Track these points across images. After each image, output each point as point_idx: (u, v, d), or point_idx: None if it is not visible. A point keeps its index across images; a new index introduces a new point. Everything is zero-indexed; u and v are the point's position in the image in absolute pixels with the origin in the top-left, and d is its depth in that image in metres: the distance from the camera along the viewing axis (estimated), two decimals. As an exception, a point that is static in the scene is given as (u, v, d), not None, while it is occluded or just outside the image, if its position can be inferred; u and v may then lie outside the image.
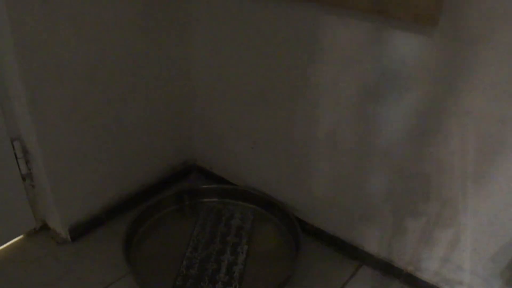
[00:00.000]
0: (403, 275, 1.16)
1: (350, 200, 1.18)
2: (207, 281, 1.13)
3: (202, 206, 1.39)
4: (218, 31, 1.24)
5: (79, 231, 1.27)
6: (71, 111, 1.12)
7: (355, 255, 1.23)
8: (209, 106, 1.39)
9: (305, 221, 1.31)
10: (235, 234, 1.29)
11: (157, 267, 1.19)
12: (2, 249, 1.23)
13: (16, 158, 1.15)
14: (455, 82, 0.88)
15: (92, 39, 1.09)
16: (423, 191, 1.03)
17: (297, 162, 1.25)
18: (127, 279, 1.15)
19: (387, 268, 1.18)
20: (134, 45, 1.20)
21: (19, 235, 1.27)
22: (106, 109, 1.20)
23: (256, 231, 1.31)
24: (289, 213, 1.31)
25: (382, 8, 0.88)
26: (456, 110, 0.90)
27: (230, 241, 1.26)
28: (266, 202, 1.37)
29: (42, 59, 1.02)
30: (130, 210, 1.37)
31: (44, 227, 1.30)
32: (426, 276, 1.12)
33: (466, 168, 0.94)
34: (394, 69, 0.95)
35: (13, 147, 1.14)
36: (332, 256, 1.25)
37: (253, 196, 1.39)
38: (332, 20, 1.00)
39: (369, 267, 1.21)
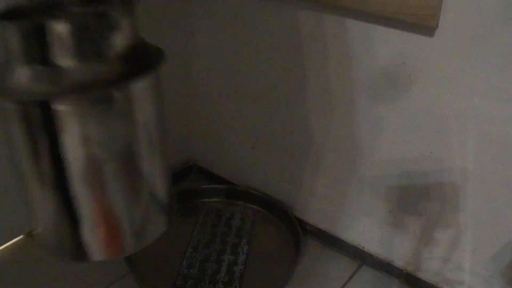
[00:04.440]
0: (403, 275, 1.16)
1: (350, 199, 1.18)
2: (207, 281, 1.13)
3: (202, 206, 1.39)
4: (219, 31, 1.24)
5: (79, 231, 1.27)
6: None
7: (355, 255, 1.23)
8: (209, 106, 1.39)
9: (305, 221, 1.31)
10: (235, 234, 1.29)
11: (157, 267, 1.19)
12: (2, 249, 1.23)
13: (16, 158, 1.15)
14: (455, 82, 0.88)
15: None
16: (423, 191, 1.03)
17: (297, 162, 1.25)
18: (127, 279, 1.15)
19: (387, 268, 1.18)
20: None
21: (19, 235, 1.26)
22: (106, 109, 1.20)
23: (256, 231, 1.31)
24: (289, 213, 1.31)
25: (381, 8, 0.88)
26: (456, 110, 0.90)
27: (230, 241, 1.26)
28: (266, 202, 1.37)
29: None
30: (130, 210, 1.37)
31: (44, 227, 1.30)
32: (426, 276, 1.12)
33: (466, 168, 0.94)
34: (394, 69, 0.95)
35: (13, 147, 1.14)
36: (332, 256, 1.25)
37: (253, 196, 1.39)
38: (332, 20, 1.00)
39: (369, 267, 1.21)
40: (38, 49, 0.54)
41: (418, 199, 1.04)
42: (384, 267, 1.18)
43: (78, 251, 0.67)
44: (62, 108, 0.54)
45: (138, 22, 0.63)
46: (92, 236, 0.65)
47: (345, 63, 1.02)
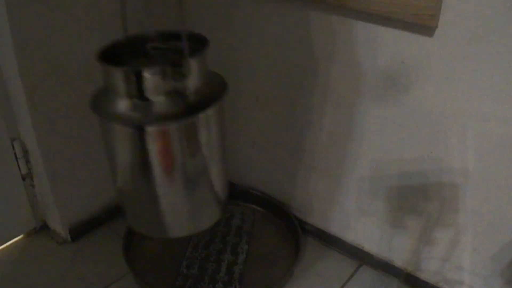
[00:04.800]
0: (403, 275, 1.16)
1: (350, 200, 1.18)
2: (207, 281, 1.13)
3: (202, 206, 1.39)
4: (220, 30, 1.24)
5: (79, 231, 1.27)
6: (70, 111, 1.12)
7: (355, 255, 1.23)
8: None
9: (305, 221, 1.31)
10: (235, 234, 1.29)
11: (157, 267, 1.19)
12: (2, 249, 1.23)
13: (16, 158, 1.15)
14: (455, 82, 0.88)
15: (92, 39, 1.09)
16: (423, 191, 1.03)
17: (297, 161, 1.25)
18: (127, 279, 1.15)
19: (387, 268, 1.18)
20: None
21: (19, 235, 1.27)
22: (106, 109, 1.20)
23: (256, 231, 1.31)
24: (289, 213, 1.31)
25: (381, 8, 0.88)
26: (456, 110, 0.90)
27: (230, 241, 1.26)
28: (266, 202, 1.37)
29: (42, 59, 1.02)
30: (130, 210, 1.37)
31: (44, 227, 1.30)
32: (426, 276, 1.12)
33: (466, 168, 0.94)
34: (394, 69, 0.95)
35: (13, 147, 1.14)
36: (332, 256, 1.25)
37: (253, 196, 1.39)
38: (332, 20, 1.00)
39: (369, 267, 1.21)
40: (135, 88, 0.76)
41: (418, 199, 1.04)
42: (384, 267, 1.18)
43: (160, 229, 0.92)
44: (151, 130, 0.78)
45: (207, 61, 0.84)
46: (167, 217, 0.89)
47: (345, 63, 1.02)
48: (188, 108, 0.79)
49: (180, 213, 0.90)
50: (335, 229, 1.26)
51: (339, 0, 0.94)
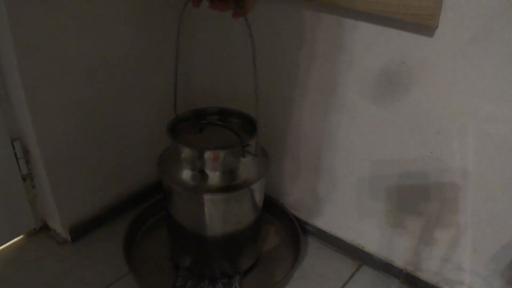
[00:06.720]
0: (403, 275, 1.16)
1: (350, 200, 1.18)
2: (207, 282, 1.13)
3: (202, 206, 1.40)
4: (219, 32, 1.24)
5: (79, 231, 1.27)
6: (71, 111, 1.12)
7: (355, 255, 1.23)
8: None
9: (305, 221, 1.31)
10: (235, 234, 1.29)
11: (157, 267, 1.19)
12: (2, 249, 1.23)
13: (16, 158, 1.15)
14: (455, 82, 0.88)
15: (92, 39, 1.09)
16: (423, 191, 1.03)
17: (297, 161, 1.25)
18: (127, 279, 1.15)
19: (387, 268, 1.18)
20: (135, 46, 1.20)
21: (19, 235, 1.27)
22: (106, 109, 1.20)
23: (256, 231, 1.31)
24: (289, 213, 1.31)
25: (380, 8, 0.88)
26: (456, 110, 0.90)
27: (230, 241, 1.27)
28: (266, 202, 1.37)
29: (42, 59, 1.02)
30: (130, 210, 1.37)
31: (44, 227, 1.30)
32: (426, 276, 1.12)
33: (466, 168, 0.94)
34: (394, 69, 0.95)
35: (13, 147, 1.14)
36: (332, 256, 1.25)
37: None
38: (332, 20, 1.00)
39: (369, 267, 1.21)
40: (198, 163, 0.96)
41: (418, 199, 1.04)
42: (384, 267, 1.18)
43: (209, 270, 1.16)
44: (207, 197, 0.99)
45: (258, 140, 0.99)
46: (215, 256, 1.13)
47: (345, 63, 1.02)
48: (236, 183, 0.98)
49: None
50: (335, 229, 1.26)
51: (339, 0, 0.94)
